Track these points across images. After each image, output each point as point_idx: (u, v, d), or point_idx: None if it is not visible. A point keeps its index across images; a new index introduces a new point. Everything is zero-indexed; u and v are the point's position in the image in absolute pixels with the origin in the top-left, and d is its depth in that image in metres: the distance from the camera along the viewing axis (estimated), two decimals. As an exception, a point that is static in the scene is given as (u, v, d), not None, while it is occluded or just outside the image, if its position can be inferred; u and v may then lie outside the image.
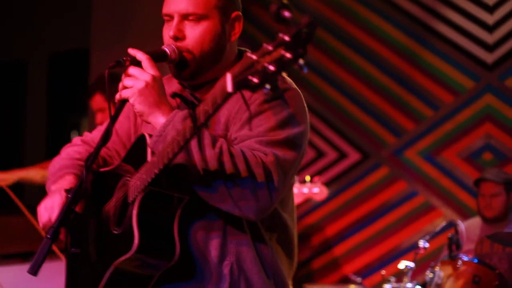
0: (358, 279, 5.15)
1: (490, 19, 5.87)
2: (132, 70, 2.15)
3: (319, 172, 6.14)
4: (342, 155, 6.29)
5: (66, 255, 2.44)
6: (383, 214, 6.10)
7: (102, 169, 2.44)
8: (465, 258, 4.35)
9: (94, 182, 2.39)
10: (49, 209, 2.27)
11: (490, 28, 5.87)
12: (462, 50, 5.93)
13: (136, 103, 2.13)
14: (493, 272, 4.29)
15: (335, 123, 6.30)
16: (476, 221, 5.20)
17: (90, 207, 2.37)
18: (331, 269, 6.23)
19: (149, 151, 2.15)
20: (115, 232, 2.23)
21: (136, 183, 2.15)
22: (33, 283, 5.48)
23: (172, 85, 2.42)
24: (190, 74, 2.28)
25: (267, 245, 2.26)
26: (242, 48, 2.39)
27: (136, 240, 2.08)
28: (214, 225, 2.21)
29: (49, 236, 2.02)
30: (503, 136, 5.76)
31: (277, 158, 2.09)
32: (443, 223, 4.89)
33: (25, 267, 5.47)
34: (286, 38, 1.63)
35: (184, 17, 2.24)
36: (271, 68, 1.66)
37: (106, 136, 2.11)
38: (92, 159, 2.09)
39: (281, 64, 1.65)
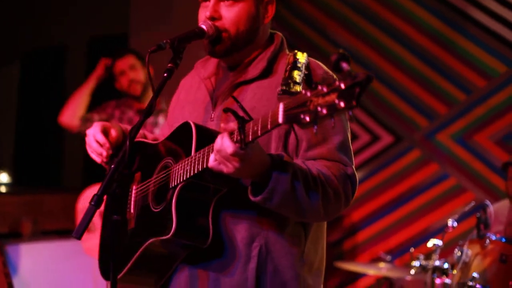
0: (388, 257, 5.25)
1: (523, 4, 5.91)
2: (217, 155, 2.10)
3: (352, 155, 6.21)
4: (375, 138, 6.38)
5: (107, 221, 2.61)
6: (415, 196, 6.19)
7: (146, 141, 2.58)
8: (493, 237, 4.43)
9: (136, 151, 2.54)
10: (90, 141, 2.48)
11: (523, 13, 5.91)
12: (496, 35, 5.97)
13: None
14: (520, 251, 4.36)
15: (368, 106, 6.39)
16: (505, 204, 5.26)
17: (129, 175, 2.52)
18: (363, 249, 6.34)
19: (194, 143, 2.25)
20: (155, 210, 2.35)
21: (179, 171, 2.26)
22: (69, 260, 5.69)
23: (207, 68, 2.55)
24: (225, 51, 2.39)
25: (301, 228, 2.35)
26: (273, 31, 2.51)
27: (173, 226, 2.21)
28: (247, 210, 2.31)
29: (93, 203, 2.13)
30: (535, 120, 5.82)
31: (352, 164, 2.29)
32: (472, 203, 4.97)
33: (62, 243, 5.66)
34: (342, 85, 1.72)
35: None
36: (324, 112, 1.75)
37: (149, 109, 2.24)
38: (136, 131, 2.22)
39: (333, 110, 1.74)
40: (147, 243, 2.31)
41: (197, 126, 2.29)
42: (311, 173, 2.17)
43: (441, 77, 6.15)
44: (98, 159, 2.52)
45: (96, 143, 2.48)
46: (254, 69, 2.39)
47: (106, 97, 5.17)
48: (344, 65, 1.74)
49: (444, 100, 6.14)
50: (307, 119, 1.78)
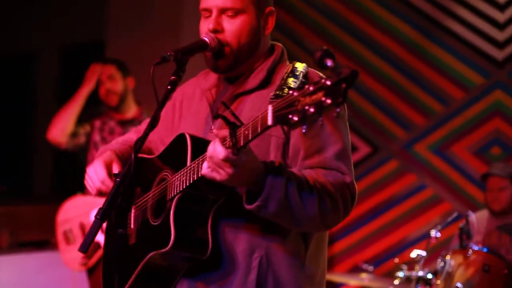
0: (370, 268, 5.28)
1: (501, 17, 6.00)
2: (209, 163, 2.08)
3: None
4: (353, 149, 6.35)
5: (111, 235, 2.59)
6: (392, 206, 6.24)
7: (142, 155, 2.57)
8: (475, 248, 4.49)
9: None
10: (91, 174, 2.45)
11: (501, 26, 6.00)
12: (473, 47, 6.06)
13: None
14: (502, 261, 4.43)
15: (345, 116, 6.41)
16: (484, 214, 5.34)
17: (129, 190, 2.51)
18: (340, 259, 6.37)
19: (189, 154, 2.24)
20: (154, 223, 2.33)
21: (176, 182, 2.24)
22: (48, 270, 5.63)
23: (209, 80, 2.54)
24: (228, 66, 2.38)
25: (300, 240, 2.32)
26: (274, 42, 2.52)
27: (172, 237, 2.19)
28: (246, 221, 2.28)
29: (98, 217, 2.11)
30: (511, 131, 5.89)
31: (351, 173, 2.25)
32: (455, 214, 5.03)
33: (39, 255, 5.59)
34: (328, 83, 1.73)
35: (222, 11, 2.35)
36: (311, 110, 1.76)
37: (154, 121, 2.23)
38: (141, 143, 2.21)
39: (320, 107, 1.74)
40: (147, 257, 2.28)
41: (191, 137, 2.29)
42: (306, 181, 2.16)
43: (419, 88, 6.22)
44: (94, 192, 2.50)
45: (96, 177, 2.46)
46: (254, 80, 2.39)
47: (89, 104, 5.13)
48: (329, 62, 1.75)
49: (421, 111, 6.21)
50: (295, 118, 1.79)
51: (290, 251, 2.29)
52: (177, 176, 2.25)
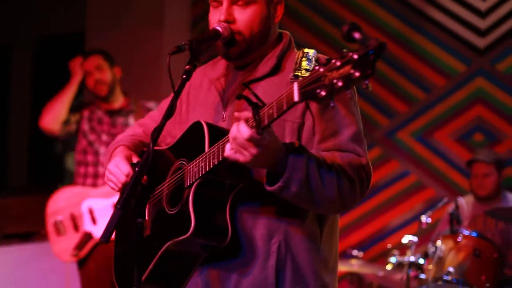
0: (360, 254, 5.34)
1: (482, 5, 6.09)
2: (233, 144, 2.08)
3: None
4: (336, 136, 6.45)
5: (130, 224, 2.59)
6: (376, 193, 6.30)
7: (157, 147, 2.56)
8: (466, 233, 4.56)
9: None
10: (114, 170, 2.43)
11: (482, 14, 6.09)
12: (455, 35, 6.15)
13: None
14: (492, 245, 4.51)
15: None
16: (469, 199, 5.43)
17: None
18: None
19: (207, 140, 2.24)
20: (170, 212, 2.33)
21: (193, 169, 2.25)
22: (33, 263, 5.60)
23: (217, 70, 2.55)
24: (240, 53, 2.39)
25: (316, 224, 2.34)
26: (281, 30, 2.54)
27: (192, 224, 2.18)
28: (264, 206, 2.30)
29: (118, 207, 2.13)
30: (493, 118, 5.99)
31: (366, 155, 2.28)
32: (445, 199, 5.11)
33: (25, 247, 5.55)
34: (355, 56, 1.75)
35: (233, 1, 2.36)
36: (339, 84, 1.77)
37: (170, 110, 2.23)
38: (158, 132, 2.21)
39: (349, 81, 1.76)
40: (165, 246, 2.28)
41: (208, 124, 2.29)
42: (325, 162, 2.18)
43: (401, 76, 6.29)
44: (118, 188, 2.49)
45: (120, 172, 2.45)
46: (264, 67, 2.41)
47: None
48: (356, 35, 1.76)
49: (404, 99, 6.28)
50: (323, 93, 1.81)
51: (307, 235, 2.31)
52: (194, 163, 2.25)
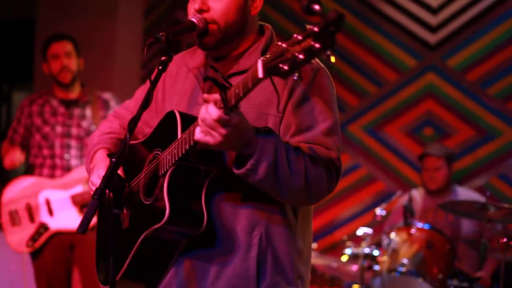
0: (314, 245, 5.39)
1: (434, 2, 6.21)
2: (203, 123, 2.08)
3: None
4: (288, 129, 6.49)
5: (107, 215, 2.57)
6: (327, 185, 6.35)
7: (132, 142, 2.55)
8: (419, 225, 4.66)
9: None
10: (97, 182, 2.40)
11: (434, 11, 6.20)
12: (407, 31, 6.25)
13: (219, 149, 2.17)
14: (444, 237, 4.61)
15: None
16: (419, 193, 5.54)
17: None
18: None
19: (179, 127, 2.24)
20: (146, 202, 2.33)
21: (167, 157, 2.25)
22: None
23: (196, 58, 2.54)
24: (215, 43, 2.38)
25: (292, 215, 2.36)
26: (262, 23, 2.54)
27: (167, 211, 2.18)
28: (244, 197, 2.30)
29: (95, 197, 2.12)
30: (443, 112, 6.11)
31: (338, 149, 2.29)
32: (398, 192, 5.20)
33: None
34: (315, 29, 1.76)
35: None
36: (301, 56, 1.79)
37: (147, 101, 2.22)
38: (135, 123, 2.20)
39: (310, 53, 1.78)
40: (142, 236, 2.27)
41: (181, 113, 2.30)
42: (295, 151, 2.20)
43: (353, 70, 6.36)
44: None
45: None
46: (247, 60, 2.41)
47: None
48: (316, 7, 1.78)
49: (355, 92, 6.36)
50: (286, 68, 1.82)
51: (286, 226, 2.33)
52: (168, 151, 2.25)
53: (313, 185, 2.21)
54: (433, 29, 6.19)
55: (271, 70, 1.87)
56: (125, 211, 2.44)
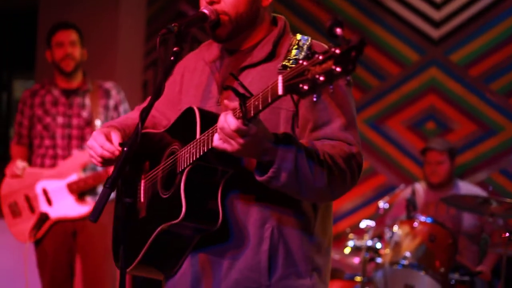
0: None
1: (438, -3, 6.23)
2: (220, 134, 2.10)
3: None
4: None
5: (119, 204, 2.59)
6: (329, 178, 6.36)
7: (151, 131, 2.57)
8: (422, 218, 4.68)
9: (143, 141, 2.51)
10: (92, 144, 2.44)
11: (437, 6, 6.22)
12: (410, 25, 6.27)
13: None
14: (447, 231, 4.64)
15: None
16: (421, 186, 5.56)
17: (137, 165, 2.52)
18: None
19: (198, 127, 2.26)
20: (164, 196, 2.36)
21: (185, 155, 2.28)
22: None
23: (212, 52, 2.56)
24: (227, 35, 2.40)
25: (311, 209, 2.37)
26: (275, 14, 2.55)
27: (183, 209, 2.22)
28: (257, 193, 2.32)
29: (107, 186, 2.15)
30: (445, 107, 6.13)
31: (358, 143, 2.30)
32: (402, 185, 5.22)
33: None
34: (337, 51, 1.78)
35: None
36: (321, 79, 1.80)
37: (158, 91, 2.25)
38: (146, 112, 2.23)
39: (330, 76, 1.79)
40: (158, 229, 2.31)
41: (200, 110, 2.31)
42: (316, 152, 2.20)
43: (357, 63, 6.34)
44: (98, 162, 2.48)
45: (96, 144, 2.45)
46: (260, 52, 2.42)
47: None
48: (338, 30, 1.80)
49: (358, 86, 6.37)
50: (306, 88, 1.84)
51: (300, 221, 2.34)
52: (186, 149, 2.28)
53: (335, 184, 2.23)
54: (436, 24, 6.20)
55: (291, 88, 1.89)
56: (142, 200, 2.47)
